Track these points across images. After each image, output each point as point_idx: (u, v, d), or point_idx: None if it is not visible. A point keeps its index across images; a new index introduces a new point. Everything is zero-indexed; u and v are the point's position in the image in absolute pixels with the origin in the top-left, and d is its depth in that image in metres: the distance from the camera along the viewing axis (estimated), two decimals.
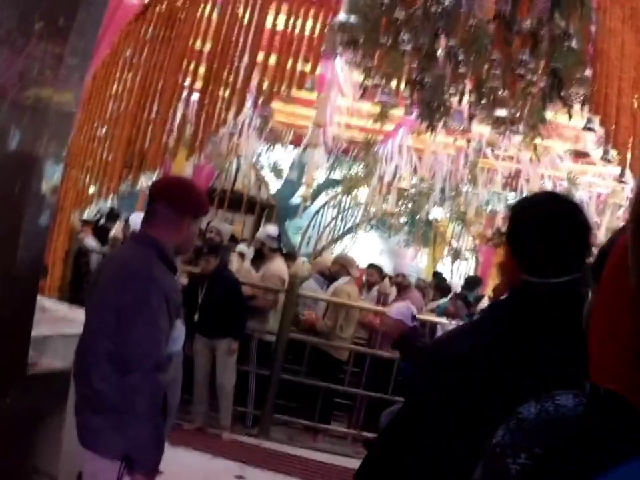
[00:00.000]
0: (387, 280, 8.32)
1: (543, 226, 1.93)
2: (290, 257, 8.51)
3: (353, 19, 4.51)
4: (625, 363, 0.65)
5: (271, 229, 8.54)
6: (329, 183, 12.01)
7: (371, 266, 8.49)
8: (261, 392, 6.98)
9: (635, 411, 0.58)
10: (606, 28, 4.76)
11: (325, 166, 9.90)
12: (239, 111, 5.31)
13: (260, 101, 5.38)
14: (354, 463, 5.27)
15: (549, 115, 5.74)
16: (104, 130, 5.76)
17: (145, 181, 8.96)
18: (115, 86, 5.65)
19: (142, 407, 2.45)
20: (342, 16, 4.54)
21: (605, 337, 0.74)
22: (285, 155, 11.01)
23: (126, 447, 2.45)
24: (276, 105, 7.81)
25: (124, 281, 2.55)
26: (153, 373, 2.48)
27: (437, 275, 10.56)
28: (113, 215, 9.53)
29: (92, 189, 5.97)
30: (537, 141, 6.13)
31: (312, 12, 4.91)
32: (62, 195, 5.58)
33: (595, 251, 1.89)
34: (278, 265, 7.52)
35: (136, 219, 7.79)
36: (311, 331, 7.55)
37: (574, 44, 4.67)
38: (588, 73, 4.96)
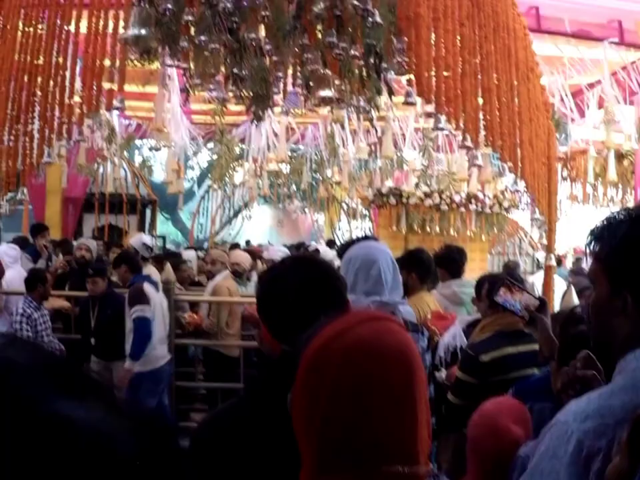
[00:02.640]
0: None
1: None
2: (159, 261, 8.19)
3: (143, 31, 4.24)
4: None
5: (146, 237, 8.27)
6: (210, 167, 11.74)
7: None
8: None
9: None
10: None
11: (200, 151, 9.64)
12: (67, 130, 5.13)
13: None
14: None
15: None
16: None
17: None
18: None
19: None
20: (132, 30, 4.25)
21: None
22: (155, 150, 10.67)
23: None
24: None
25: None
26: None
27: (329, 243, 10.52)
28: None
29: None
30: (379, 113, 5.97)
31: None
32: None
33: None
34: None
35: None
36: (198, 332, 7.38)
37: (377, 19, 4.51)
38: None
